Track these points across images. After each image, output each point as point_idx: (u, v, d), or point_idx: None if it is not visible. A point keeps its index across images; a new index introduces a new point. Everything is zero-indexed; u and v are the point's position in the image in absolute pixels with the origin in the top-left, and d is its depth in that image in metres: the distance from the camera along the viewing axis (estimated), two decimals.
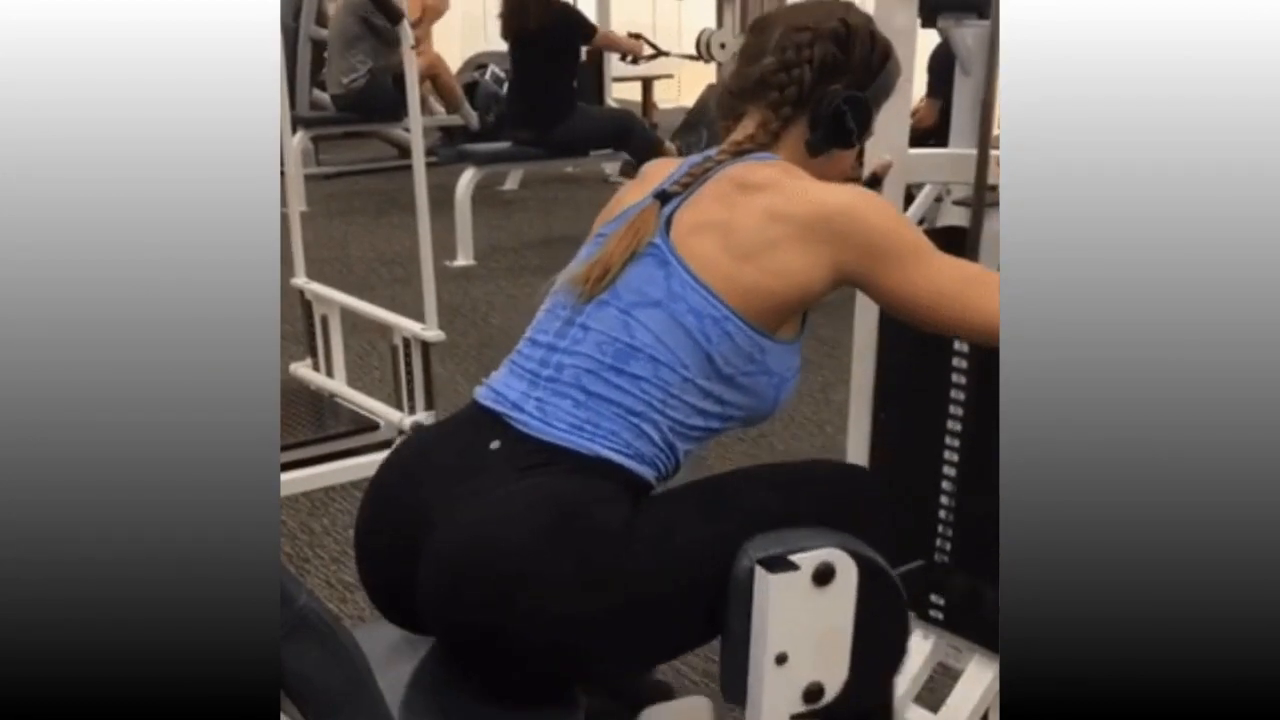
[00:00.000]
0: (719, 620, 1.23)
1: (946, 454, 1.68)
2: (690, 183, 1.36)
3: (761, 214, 1.29)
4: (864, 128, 1.40)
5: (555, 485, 1.23)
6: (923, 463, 1.71)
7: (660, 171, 1.45)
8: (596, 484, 1.23)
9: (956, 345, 1.63)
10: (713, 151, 1.41)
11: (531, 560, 1.17)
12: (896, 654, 1.32)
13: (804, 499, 1.30)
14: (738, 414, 1.33)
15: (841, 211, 1.28)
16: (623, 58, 5.91)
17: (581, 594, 1.17)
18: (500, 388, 1.33)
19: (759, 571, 1.18)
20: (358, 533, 1.36)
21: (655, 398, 1.26)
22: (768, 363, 1.31)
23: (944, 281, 1.28)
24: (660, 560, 1.21)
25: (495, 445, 1.27)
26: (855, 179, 1.50)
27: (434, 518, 1.23)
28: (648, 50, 5.78)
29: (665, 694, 1.71)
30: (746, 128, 1.40)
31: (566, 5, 5.28)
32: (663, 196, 1.35)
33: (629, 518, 1.22)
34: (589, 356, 1.28)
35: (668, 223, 1.32)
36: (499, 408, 1.30)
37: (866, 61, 1.39)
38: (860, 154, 1.48)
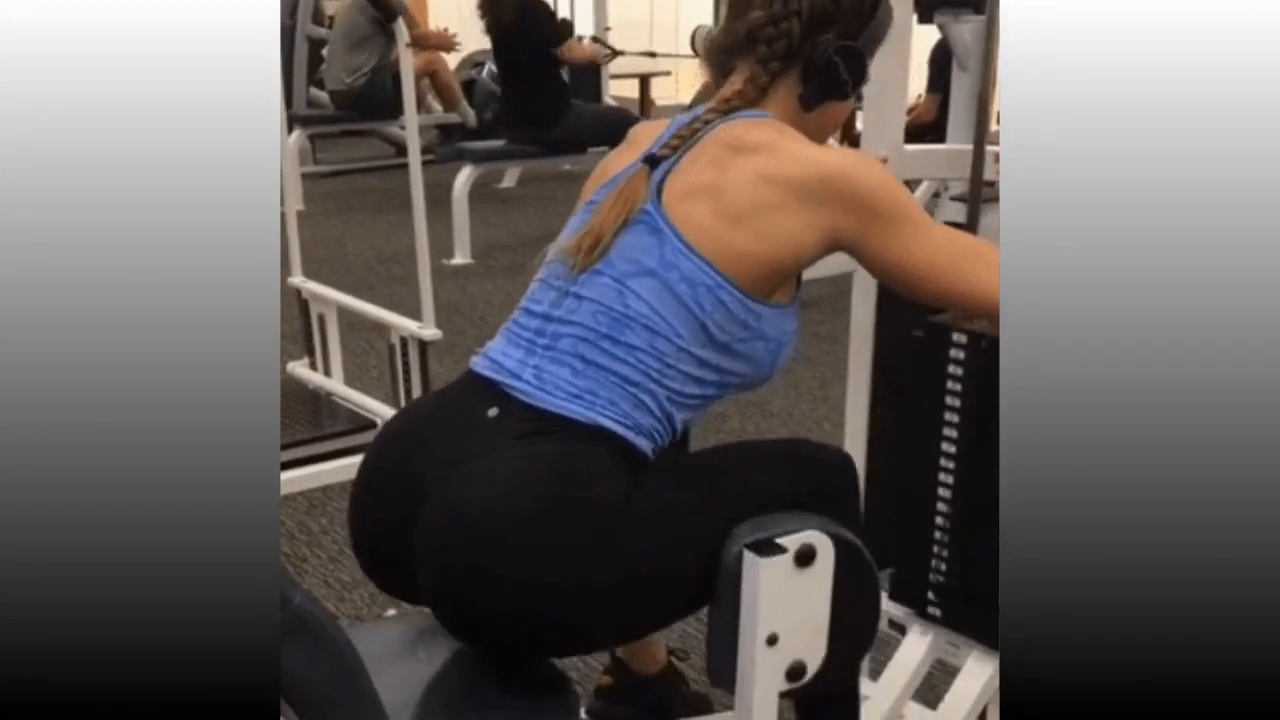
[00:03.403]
0: (699, 599, 1.26)
1: (944, 446, 1.68)
2: (679, 145, 1.33)
3: (753, 176, 1.27)
4: (858, 77, 1.37)
5: (552, 453, 1.22)
6: (920, 459, 1.71)
7: (648, 134, 1.43)
8: (593, 453, 1.23)
9: (954, 340, 1.63)
10: (701, 110, 1.37)
11: (524, 528, 1.17)
12: (870, 630, 1.35)
13: (787, 482, 1.31)
14: (735, 380, 1.33)
15: (837, 173, 1.26)
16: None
17: (571, 564, 1.17)
18: (497, 356, 1.32)
19: (749, 556, 1.20)
20: (353, 504, 1.36)
21: (652, 367, 1.26)
22: (763, 328, 1.30)
23: (939, 250, 1.27)
24: (650, 538, 1.22)
25: (493, 413, 1.27)
26: (850, 126, 1.49)
27: (429, 486, 1.23)
28: (605, 52, 5.76)
29: (701, 706, 1.71)
30: (734, 83, 1.37)
31: (539, 5, 5.22)
32: (651, 160, 1.33)
33: (624, 492, 1.22)
34: (584, 326, 1.27)
35: (659, 188, 1.30)
36: (497, 376, 1.29)
37: (858, 9, 1.36)
38: (854, 109, 1.46)
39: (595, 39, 5.78)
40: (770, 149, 1.29)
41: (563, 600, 1.18)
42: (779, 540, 1.21)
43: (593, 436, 1.24)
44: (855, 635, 1.32)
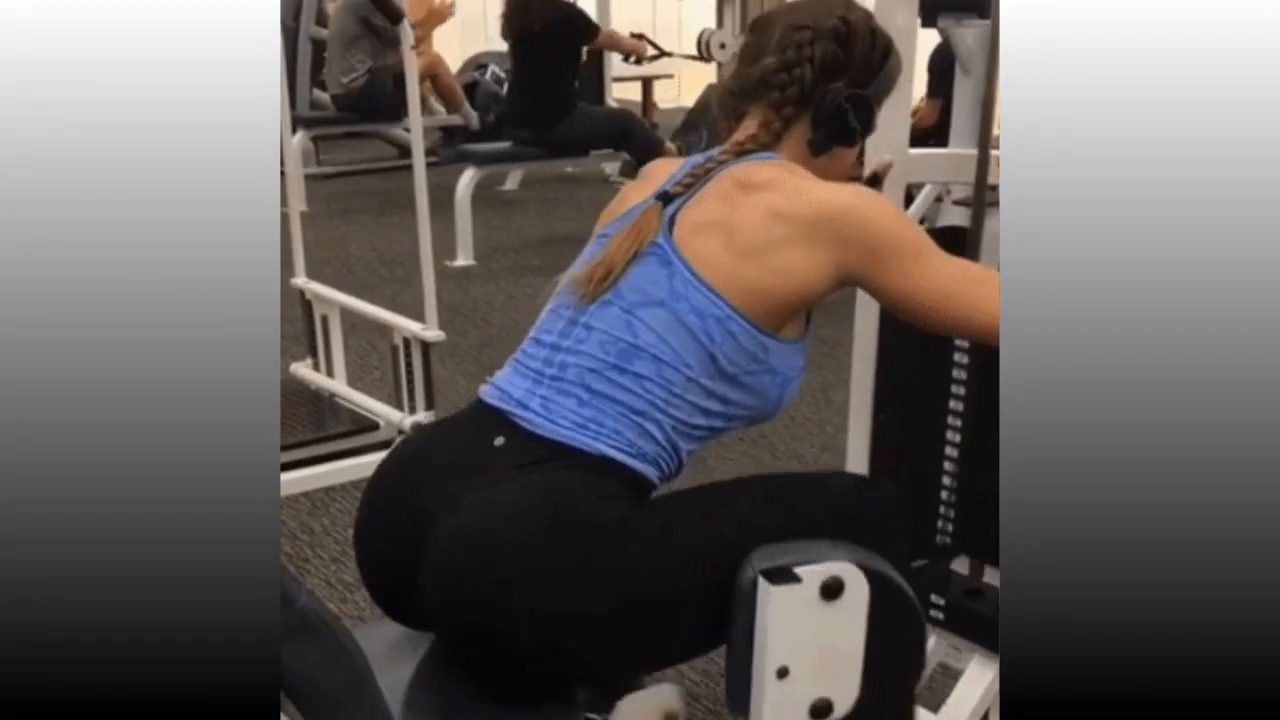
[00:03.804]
0: (723, 629, 1.22)
1: (947, 451, 1.68)
2: (692, 183, 1.36)
3: (764, 213, 1.29)
4: (866, 126, 1.40)
5: (556, 482, 1.22)
6: (923, 462, 1.71)
7: (661, 172, 1.45)
8: (598, 482, 1.23)
9: (957, 345, 1.63)
10: (715, 152, 1.40)
11: (531, 558, 1.17)
12: (913, 674, 1.30)
13: (816, 510, 1.27)
14: (741, 413, 1.33)
15: (844, 211, 1.28)
16: (625, 58, 5.92)
17: (580, 593, 1.17)
18: (505, 385, 1.33)
19: (761, 583, 1.16)
20: (357, 531, 1.36)
21: (659, 397, 1.26)
22: (771, 362, 1.31)
23: (946, 281, 1.28)
24: (660, 562, 1.20)
25: (499, 442, 1.27)
26: (856, 177, 1.50)
27: (435, 515, 1.23)
28: (650, 50, 5.78)
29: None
30: (748, 128, 1.40)
31: (569, 5, 5.27)
32: (664, 197, 1.35)
33: (630, 517, 1.22)
34: (592, 356, 1.28)
35: (670, 222, 1.32)
36: (504, 405, 1.30)
37: (867, 59, 1.39)
38: (862, 152, 1.48)
39: (640, 35, 5.80)
40: (779, 187, 1.31)
41: (562, 627, 1.17)
42: (801, 569, 1.16)
43: (597, 466, 1.24)
44: (895, 676, 1.26)
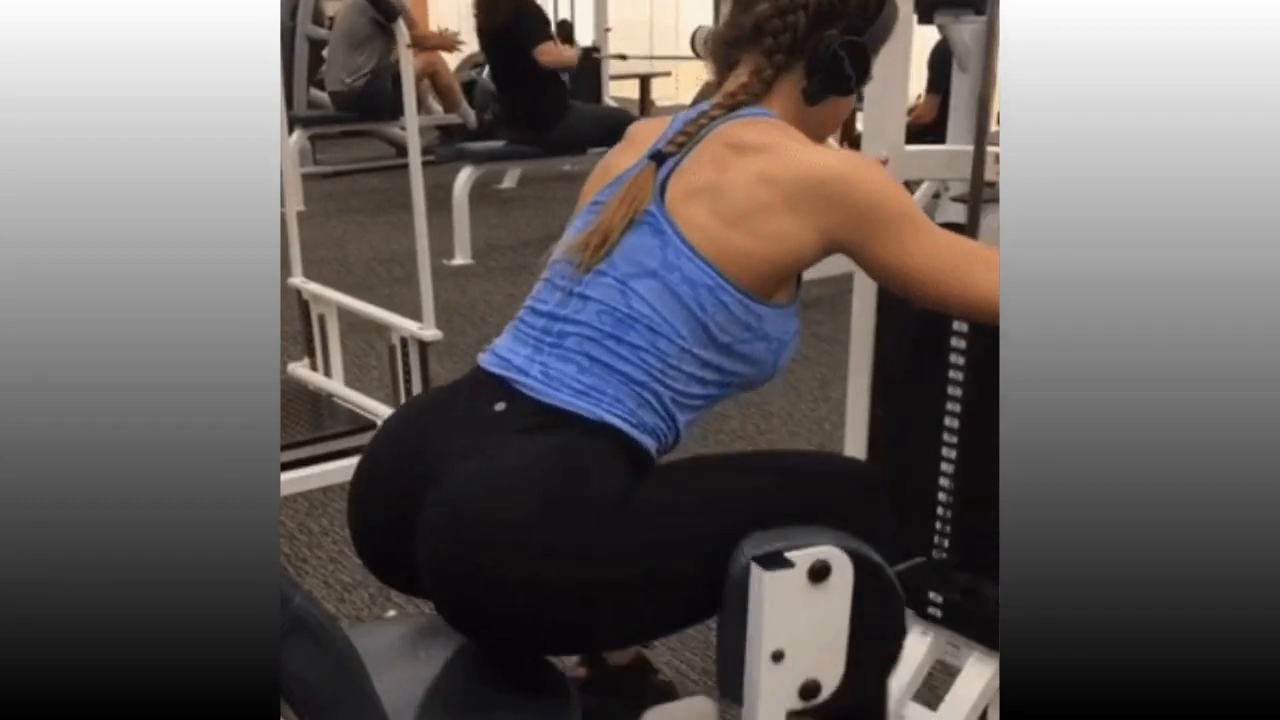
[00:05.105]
0: (705, 608, 1.24)
1: (945, 451, 1.68)
2: (685, 142, 1.33)
3: (753, 177, 1.27)
4: (862, 73, 1.37)
5: (555, 449, 1.22)
6: (921, 459, 1.71)
7: (649, 132, 1.43)
8: (599, 449, 1.23)
9: (954, 342, 1.63)
10: (707, 105, 1.38)
11: (524, 527, 1.17)
12: (892, 652, 1.33)
13: (805, 494, 1.30)
14: (737, 380, 1.33)
15: (837, 177, 1.26)
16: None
17: (572, 560, 1.17)
18: (504, 353, 1.33)
19: (755, 569, 1.18)
20: (354, 497, 1.36)
21: (655, 367, 1.26)
22: (764, 328, 1.30)
23: (939, 254, 1.26)
24: (652, 539, 1.21)
25: (500, 407, 1.27)
26: (850, 127, 1.48)
27: (433, 478, 1.23)
28: (575, 53, 5.72)
29: (668, 694, 1.71)
30: (740, 77, 1.38)
31: (532, 5, 5.15)
32: (658, 157, 1.33)
33: (629, 489, 1.22)
34: (590, 325, 1.28)
35: (663, 187, 1.31)
36: (504, 372, 1.30)
37: (863, 6, 1.36)
38: (854, 112, 1.46)
39: (568, 41, 5.72)
40: (770, 150, 1.29)
41: (562, 599, 1.18)
42: (789, 554, 1.18)
43: (598, 433, 1.24)
44: (876, 655, 1.30)
